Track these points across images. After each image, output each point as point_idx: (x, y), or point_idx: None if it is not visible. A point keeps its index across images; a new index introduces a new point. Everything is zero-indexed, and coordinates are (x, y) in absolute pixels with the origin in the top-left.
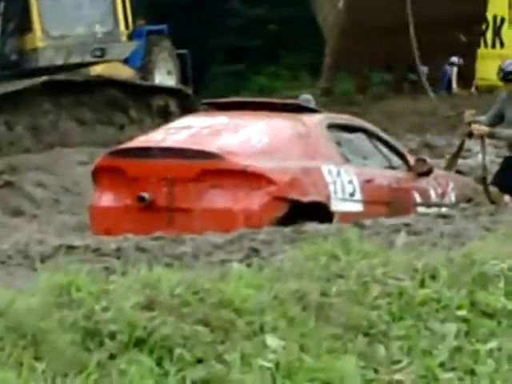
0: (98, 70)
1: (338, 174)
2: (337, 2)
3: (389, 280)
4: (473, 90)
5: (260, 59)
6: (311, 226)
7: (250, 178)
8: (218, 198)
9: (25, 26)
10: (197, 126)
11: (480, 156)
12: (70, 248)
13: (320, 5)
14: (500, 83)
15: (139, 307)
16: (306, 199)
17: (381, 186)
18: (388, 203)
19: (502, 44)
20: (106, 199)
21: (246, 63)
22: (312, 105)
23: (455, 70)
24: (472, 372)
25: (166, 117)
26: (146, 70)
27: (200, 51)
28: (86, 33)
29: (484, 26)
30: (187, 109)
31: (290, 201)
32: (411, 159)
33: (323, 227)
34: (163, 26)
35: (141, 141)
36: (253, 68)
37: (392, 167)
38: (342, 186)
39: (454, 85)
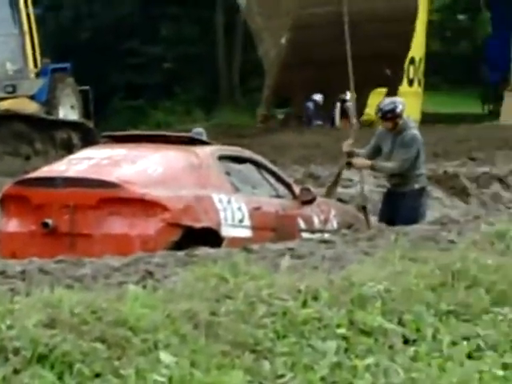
0: (5, 104)
1: (229, 201)
2: (279, 39)
3: (274, 300)
4: (354, 122)
5: (157, 95)
6: (202, 250)
7: (146, 205)
8: (117, 224)
9: None
10: (97, 157)
11: (359, 185)
12: None
13: (261, 39)
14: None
15: (41, 325)
16: (198, 225)
17: (268, 213)
18: (275, 229)
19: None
20: (13, 225)
21: (144, 99)
22: (204, 137)
23: (339, 105)
24: None
25: (69, 149)
26: (50, 104)
27: (101, 87)
28: None
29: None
30: (89, 141)
31: (184, 226)
32: (296, 188)
33: (213, 251)
34: (67, 64)
35: (44, 171)
36: (150, 103)
37: (279, 196)
38: (232, 213)
39: (337, 119)
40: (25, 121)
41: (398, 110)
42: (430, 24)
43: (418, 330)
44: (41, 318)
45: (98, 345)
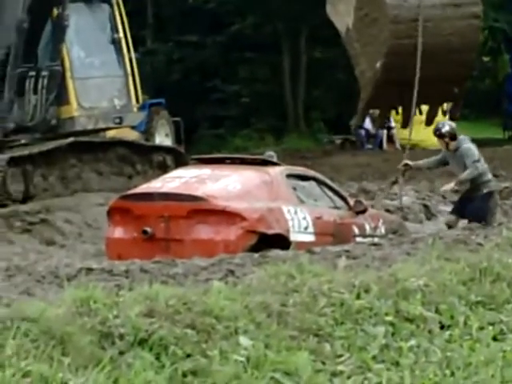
0: (112, 133)
1: (295, 212)
2: (375, 63)
3: (333, 293)
4: (398, 146)
5: (236, 125)
6: (274, 253)
7: (228, 215)
8: (204, 231)
9: (62, 98)
10: (187, 176)
11: (403, 198)
12: (90, 270)
13: (358, 63)
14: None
15: (142, 315)
16: (270, 232)
17: (328, 222)
18: (333, 235)
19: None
20: (118, 232)
21: (225, 128)
22: (275, 159)
23: (385, 131)
24: (397, 363)
25: (164, 169)
26: (148, 133)
27: (190, 119)
28: (108, 105)
29: None
30: (180, 163)
31: (259, 233)
32: (351, 201)
33: (283, 253)
34: (161, 100)
35: (144, 188)
36: (230, 132)
37: (336, 207)
38: (298, 221)
39: (385, 143)
40: (127, 146)
41: (445, 130)
42: None
43: (451, 318)
44: (141, 309)
45: (189, 331)
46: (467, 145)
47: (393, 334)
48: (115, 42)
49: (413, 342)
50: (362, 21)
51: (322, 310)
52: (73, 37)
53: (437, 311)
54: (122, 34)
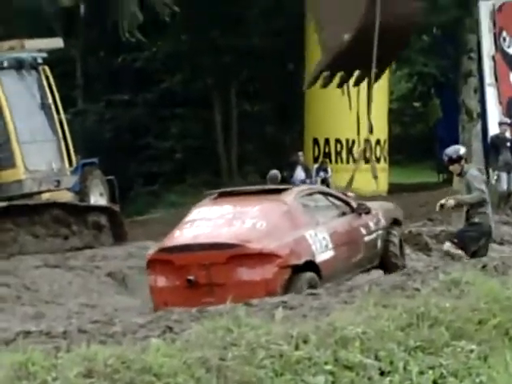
0: (47, 195)
1: (316, 235)
2: (341, 33)
3: (271, 345)
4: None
5: (170, 181)
6: (212, 307)
7: (264, 256)
8: (244, 274)
9: (8, 162)
10: (212, 217)
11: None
12: (28, 333)
13: (321, 27)
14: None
15: (81, 376)
16: (301, 262)
17: (341, 233)
18: (347, 242)
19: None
20: (161, 281)
21: (159, 185)
22: (279, 178)
23: (319, 179)
24: None
25: (99, 229)
26: (83, 193)
27: (124, 177)
28: (47, 168)
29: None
30: (115, 222)
31: (292, 266)
32: (353, 203)
33: (220, 307)
34: (95, 159)
35: (179, 239)
36: (165, 188)
37: (343, 213)
38: (320, 242)
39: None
40: (62, 207)
41: (463, 152)
42: (391, 112)
43: (391, 364)
44: (80, 370)
45: None
46: (474, 170)
47: (333, 383)
48: (45, 107)
49: None
50: None
51: (261, 363)
52: (12, 102)
53: (376, 358)
54: (50, 100)
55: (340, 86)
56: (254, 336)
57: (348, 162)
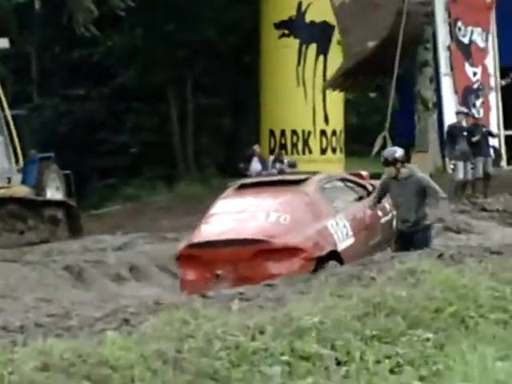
0: (2, 191)
1: (337, 224)
2: (367, 41)
3: (228, 337)
4: None
5: (126, 175)
6: (169, 299)
7: (289, 250)
8: (270, 267)
9: None
10: (236, 211)
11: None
12: None
13: (347, 34)
14: None
15: (37, 370)
16: (324, 253)
17: (360, 218)
18: (367, 227)
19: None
20: (190, 275)
21: (116, 178)
22: (296, 167)
23: (275, 171)
24: None
25: (55, 223)
26: (39, 187)
27: (80, 171)
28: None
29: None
30: (72, 216)
31: (316, 258)
32: (368, 185)
33: (177, 299)
34: (51, 154)
35: (206, 234)
36: (121, 181)
37: (360, 198)
38: (341, 231)
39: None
40: (18, 202)
41: (399, 155)
42: (348, 102)
43: (347, 353)
44: (36, 364)
45: (85, 382)
46: (422, 174)
47: (289, 373)
48: None
49: (310, 380)
50: (361, 1)
51: (217, 354)
52: None
53: (332, 348)
54: None
55: (355, 89)
56: (211, 327)
57: (304, 153)
